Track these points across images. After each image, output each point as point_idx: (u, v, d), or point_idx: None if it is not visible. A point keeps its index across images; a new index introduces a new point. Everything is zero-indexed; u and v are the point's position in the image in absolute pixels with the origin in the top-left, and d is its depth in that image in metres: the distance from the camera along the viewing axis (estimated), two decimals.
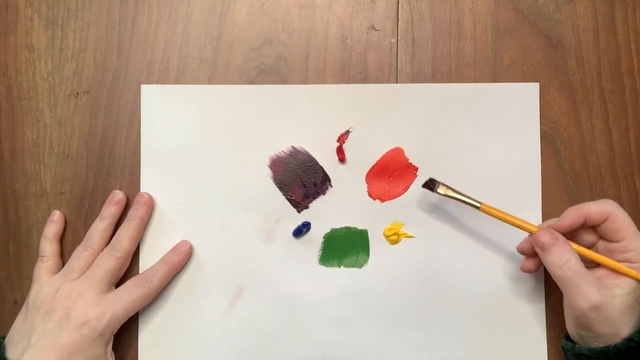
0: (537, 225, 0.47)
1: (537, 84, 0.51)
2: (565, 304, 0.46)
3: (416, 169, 0.51)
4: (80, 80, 0.52)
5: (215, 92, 0.51)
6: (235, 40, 0.52)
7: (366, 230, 0.51)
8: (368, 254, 0.51)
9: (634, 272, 0.43)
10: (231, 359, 0.51)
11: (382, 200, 0.51)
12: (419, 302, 0.50)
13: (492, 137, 0.51)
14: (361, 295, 0.51)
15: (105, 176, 0.52)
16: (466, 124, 0.51)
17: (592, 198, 0.50)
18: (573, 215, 0.45)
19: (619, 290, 0.43)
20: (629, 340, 0.42)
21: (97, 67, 0.52)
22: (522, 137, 0.51)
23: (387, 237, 0.51)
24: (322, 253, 0.51)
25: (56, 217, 0.51)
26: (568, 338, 0.47)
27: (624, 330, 0.42)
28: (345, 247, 0.51)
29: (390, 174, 0.51)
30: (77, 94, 0.52)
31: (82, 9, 0.52)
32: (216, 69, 0.52)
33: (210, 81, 0.52)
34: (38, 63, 0.52)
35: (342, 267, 0.51)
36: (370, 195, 0.51)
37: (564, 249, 0.43)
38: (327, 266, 0.51)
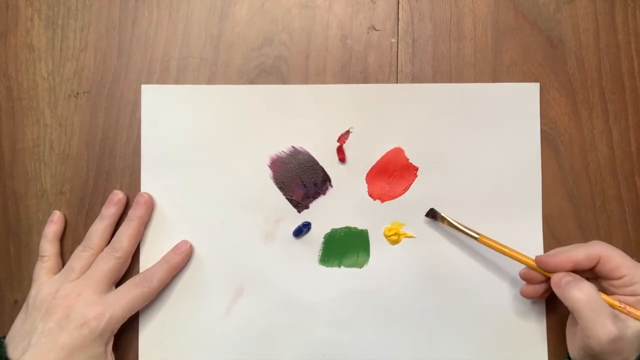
0: (532, 258, 0.46)
1: (538, 84, 0.51)
2: (574, 331, 0.45)
3: (416, 169, 0.51)
4: (80, 80, 0.52)
5: (215, 92, 0.51)
6: (236, 40, 0.52)
7: (366, 230, 0.51)
8: (368, 254, 0.51)
9: None
10: (231, 359, 0.51)
11: (383, 200, 0.51)
12: (419, 302, 0.50)
13: (493, 137, 0.51)
14: (361, 296, 0.51)
15: (105, 176, 0.52)
16: (466, 124, 0.51)
17: (592, 198, 0.50)
18: (560, 259, 0.45)
19: (632, 322, 0.43)
20: None
21: (97, 67, 0.52)
22: (522, 137, 0.51)
23: (387, 237, 0.51)
24: (322, 253, 0.51)
25: (56, 217, 0.51)
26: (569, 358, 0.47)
27: (632, 358, 0.42)
28: (345, 247, 0.51)
29: (391, 174, 0.51)
30: (77, 94, 0.52)
31: (82, 9, 0.52)
32: (216, 69, 0.52)
33: (210, 81, 0.52)
34: (38, 63, 0.52)
35: (342, 267, 0.51)
36: (370, 195, 0.51)
37: (582, 283, 0.43)
38: (327, 266, 0.51)
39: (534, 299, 0.49)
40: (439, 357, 0.50)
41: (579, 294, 0.43)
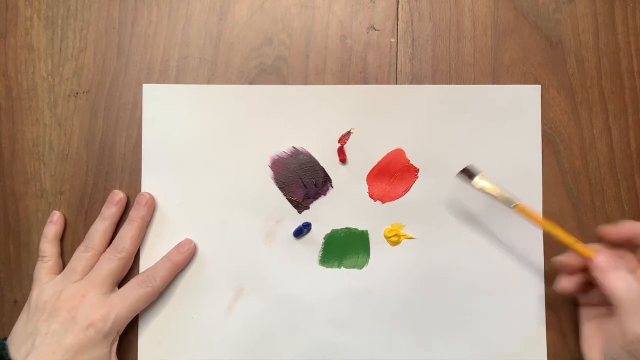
0: (572, 235, 0.46)
1: (539, 87, 0.51)
2: (598, 335, 0.45)
3: (417, 170, 0.51)
4: (80, 80, 0.52)
5: (216, 92, 0.51)
6: (236, 40, 0.52)
7: (367, 231, 0.51)
8: (369, 255, 0.51)
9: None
10: (231, 359, 0.51)
11: (383, 202, 0.51)
12: (419, 303, 0.51)
13: (494, 139, 0.51)
14: (361, 297, 0.51)
15: (105, 176, 0.52)
16: (467, 126, 0.51)
17: (592, 198, 0.51)
18: (629, 227, 0.45)
19: None
20: None
21: (97, 67, 0.52)
22: (523, 140, 0.51)
23: (387, 238, 0.51)
24: (322, 254, 0.51)
25: (56, 217, 0.51)
26: None
27: None
28: (345, 248, 0.51)
29: (392, 175, 0.51)
30: (77, 94, 0.52)
31: (82, 9, 0.52)
32: (216, 69, 0.52)
33: (210, 81, 0.52)
34: (38, 63, 0.52)
35: (342, 268, 0.51)
36: (371, 197, 0.51)
37: (626, 272, 0.43)
38: (327, 267, 0.51)
39: (570, 294, 0.47)
40: (438, 357, 0.50)
41: (624, 284, 0.42)
